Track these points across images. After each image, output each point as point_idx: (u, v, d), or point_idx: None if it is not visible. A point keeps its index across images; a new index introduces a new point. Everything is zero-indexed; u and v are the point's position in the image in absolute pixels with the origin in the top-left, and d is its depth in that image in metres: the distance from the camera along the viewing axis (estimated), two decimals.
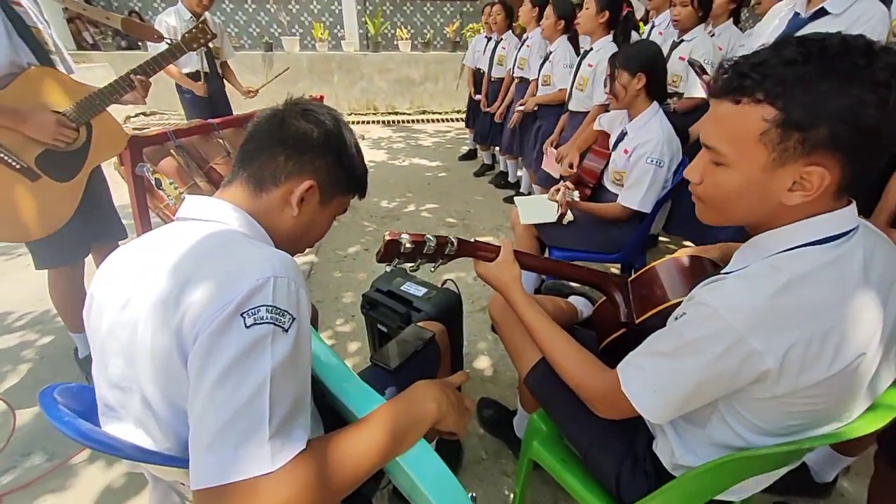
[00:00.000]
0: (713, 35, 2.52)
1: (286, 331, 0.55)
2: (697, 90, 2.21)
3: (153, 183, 1.93)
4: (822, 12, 1.27)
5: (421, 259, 0.92)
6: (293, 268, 0.60)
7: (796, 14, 1.34)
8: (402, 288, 1.49)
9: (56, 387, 0.65)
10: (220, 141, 2.34)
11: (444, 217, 3.36)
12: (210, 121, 2.28)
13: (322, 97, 3.09)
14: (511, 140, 3.46)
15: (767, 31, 1.44)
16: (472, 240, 0.98)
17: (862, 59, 0.53)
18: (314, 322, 1.28)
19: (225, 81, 3.24)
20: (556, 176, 2.31)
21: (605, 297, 1.04)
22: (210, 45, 2.89)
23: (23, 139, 1.35)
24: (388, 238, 0.86)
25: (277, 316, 0.54)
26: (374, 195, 3.74)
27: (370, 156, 4.94)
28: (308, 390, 0.60)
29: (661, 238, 2.91)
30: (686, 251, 0.97)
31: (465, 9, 8.46)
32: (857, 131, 0.54)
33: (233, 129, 2.42)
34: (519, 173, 3.84)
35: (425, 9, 8.54)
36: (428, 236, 0.90)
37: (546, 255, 2.00)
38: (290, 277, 0.58)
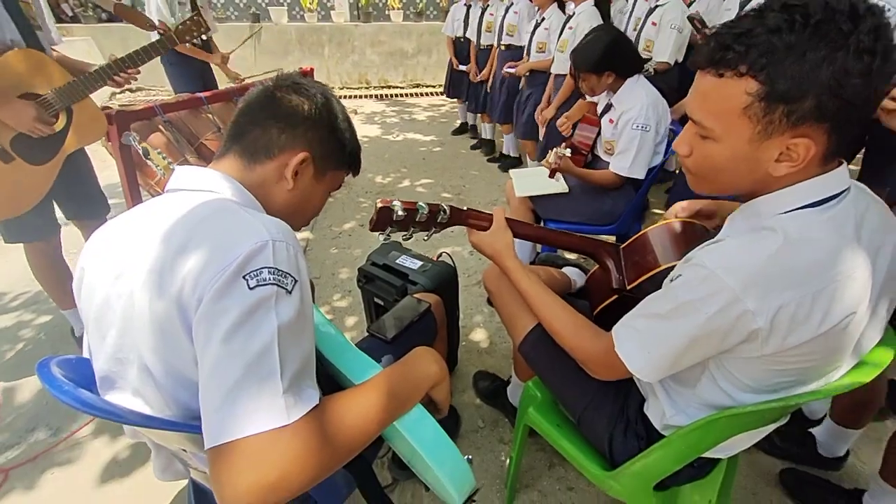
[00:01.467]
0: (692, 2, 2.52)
1: (289, 292, 0.55)
2: (665, 55, 2.27)
3: (140, 153, 1.89)
4: None
5: (414, 227, 0.92)
6: (290, 233, 0.60)
7: None
8: (397, 261, 1.49)
9: (53, 358, 0.65)
10: (210, 116, 2.29)
11: (440, 192, 3.34)
12: (199, 94, 2.22)
13: (312, 69, 3.02)
14: (503, 108, 3.41)
15: None
16: (465, 208, 0.98)
17: (847, 23, 0.51)
18: (311, 297, 1.29)
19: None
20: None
21: (597, 266, 1.05)
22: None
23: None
24: (380, 205, 0.85)
25: (280, 277, 0.54)
26: (368, 171, 3.70)
27: (363, 131, 4.86)
28: (313, 353, 0.61)
29: (651, 200, 2.89)
30: (677, 207, 0.97)
31: None
32: (842, 101, 0.53)
33: (222, 103, 2.36)
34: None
35: None
36: (420, 203, 0.89)
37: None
38: (288, 242, 0.58)
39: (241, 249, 0.53)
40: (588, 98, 2.02)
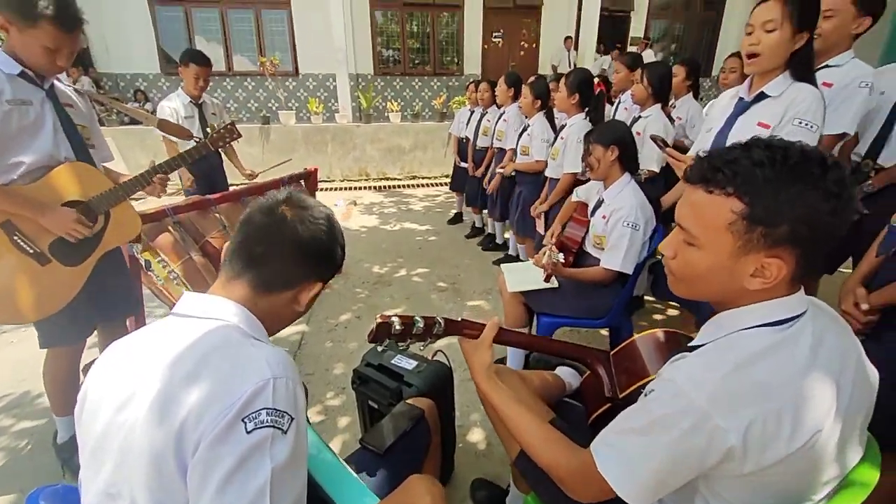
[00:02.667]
0: (674, 108, 2.78)
1: (285, 432, 0.57)
2: (652, 163, 2.46)
3: (142, 265, 1.97)
4: (762, 95, 1.43)
5: (411, 339, 0.96)
6: (290, 366, 0.64)
7: (741, 98, 1.50)
8: (392, 361, 1.50)
9: (42, 491, 0.65)
10: (217, 215, 2.42)
11: (435, 281, 3.41)
12: (208, 197, 2.37)
13: (316, 169, 3.25)
14: (497, 204, 3.66)
15: (716, 114, 1.60)
16: (460, 319, 1.03)
17: (817, 169, 0.61)
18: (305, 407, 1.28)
19: (224, 157, 3.37)
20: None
21: (589, 372, 1.07)
22: (210, 125, 3.07)
23: (41, 227, 1.43)
24: (379, 321, 0.91)
25: (277, 418, 0.57)
26: (365, 261, 3.81)
27: (362, 221, 5.08)
28: (304, 490, 0.61)
29: (646, 298, 2.97)
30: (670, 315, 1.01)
31: (450, 83, 9.13)
32: (813, 232, 0.62)
33: (229, 203, 2.52)
34: (506, 235, 3.98)
35: (414, 84, 9.21)
36: (416, 318, 0.94)
37: (534, 320, 2.04)
38: (288, 376, 0.61)
39: (244, 389, 0.57)
40: (576, 195, 2.17)
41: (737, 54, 2.70)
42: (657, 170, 2.49)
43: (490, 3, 8.82)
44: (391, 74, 9.06)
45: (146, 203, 1.96)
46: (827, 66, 1.68)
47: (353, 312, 2.92)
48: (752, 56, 1.38)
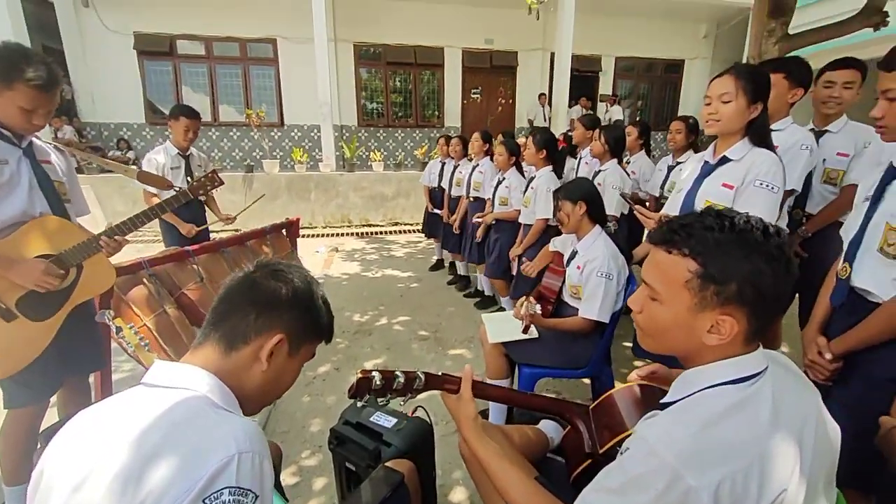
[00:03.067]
0: (629, 163, 3.03)
1: None
2: (611, 209, 2.64)
3: (113, 331, 1.90)
4: (725, 159, 1.55)
5: (391, 394, 0.96)
6: (258, 438, 0.62)
7: (706, 162, 1.63)
8: (371, 419, 1.46)
9: None
10: (195, 267, 2.39)
11: (417, 330, 3.38)
12: (187, 248, 2.35)
13: (298, 219, 3.28)
14: (472, 248, 3.77)
15: (684, 176, 1.73)
16: (440, 373, 1.03)
17: (760, 235, 0.68)
18: (277, 464, 1.22)
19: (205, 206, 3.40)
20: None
21: (570, 427, 1.07)
22: (195, 176, 3.11)
23: (9, 282, 1.39)
24: (359, 376, 0.90)
25: (240, 497, 0.55)
26: (346, 309, 3.76)
27: (343, 268, 5.06)
28: None
29: (624, 344, 3.00)
30: (636, 374, 1.03)
31: (432, 134, 9.50)
32: (758, 292, 0.67)
33: (208, 254, 2.50)
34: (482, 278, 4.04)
35: (397, 135, 9.55)
36: (397, 373, 0.94)
37: (516, 371, 2.03)
38: (255, 451, 0.59)
39: (207, 467, 0.55)
40: (553, 246, 2.25)
41: (681, 118, 3.05)
42: (617, 214, 2.69)
43: (468, 62, 9.40)
44: (375, 126, 9.39)
45: (122, 254, 1.93)
46: (772, 130, 1.86)
47: (331, 364, 2.85)
48: (711, 122, 1.52)
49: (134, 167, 1.93)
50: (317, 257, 5.59)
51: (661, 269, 0.74)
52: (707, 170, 1.60)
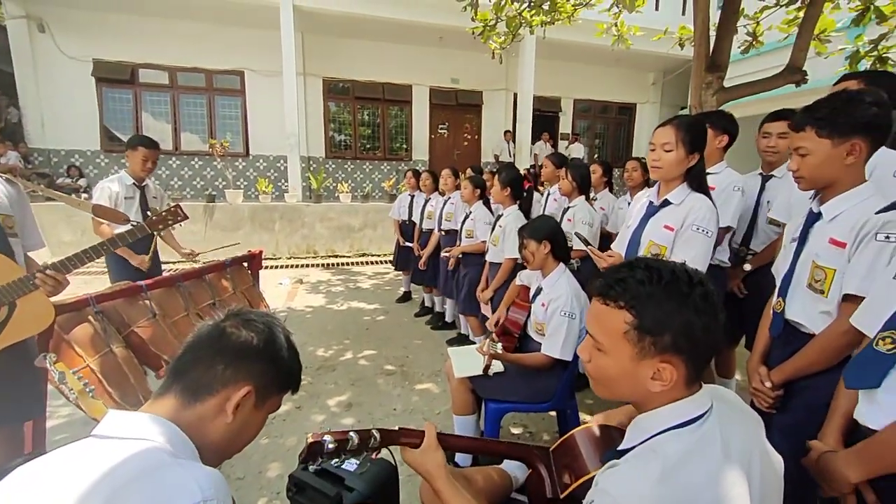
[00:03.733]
0: (595, 199, 3.19)
1: None
2: (582, 245, 2.71)
3: (55, 377, 1.76)
4: (667, 202, 1.70)
5: (345, 455, 0.93)
6: (222, 486, 0.60)
7: (651, 203, 1.76)
8: (332, 462, 1.40)
9: None
10: (147, 302, 2.28)
11: (383, 364, 3.31)
12: (140, 283, 2.24)
13: (261, 252, 3.20)
14: (446, 282, 3.78)
15: (634, 213, 1.85)
16: (397, 428, 1.01)
17: (686, 287, 0.73)
18: None
19: (159, 239, 3.21)
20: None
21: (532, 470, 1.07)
22: (151, 208, 2.99)
23: None
24: (310, 440, 0.88)
25: None
26: (309, 344, 3.65)
27: (308, 301, 4.94)
28: None
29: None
30: (597, 418, 1.06)
31: (400, 167, 9.63)
32: (691, 342, 0.71)
33: (163, 289, 2.39)
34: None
35: (364, 167, 9.62)
36: (350, 434, 0.92)
37: (482, 406, 2.03)
38: (219, 498, 0.57)
39: None
40: (520, 280, 2.30)
41: (636, 158, 3.27)
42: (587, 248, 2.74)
43: (435, 99, 9.73)
44: (342, 158, 9.44)
45: (67, 290, 1.81)
46: (708, 173, 2.05)
47: (292, 402, 2.73)
48: (654, 168, 1.66)
49: (88, 200, 1.83)
50: (280, 289, 5.43)
51: (601, 320, 0.77)
52: (651, 210, 1.74)
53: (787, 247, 1.37)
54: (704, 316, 0.71)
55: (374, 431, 0.95)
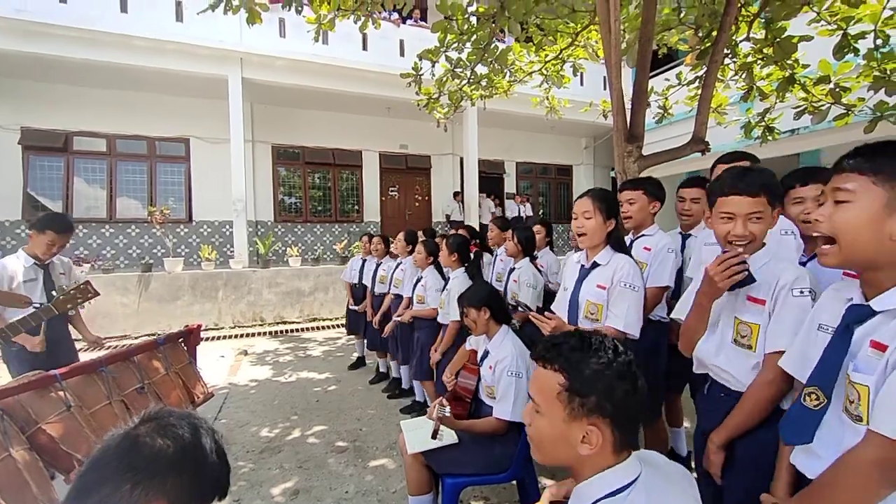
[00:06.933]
0: (537, 258, 3.36)
1: None
2: (528, 301, 2.82)
3: None
4: (595, 264, 1.86)
5: None
6: None
7: (582, 266, 1.91)
8: None
9: None
10: (61, 394, 2.03)
11: (334, 441, 3.10)
12: (53, 372, 2.01)
13: (199, 326, 3.01)
14: (398, 348, 3.71)
15: (567, 275, 1.97)
16: None
17: (611, 354, 0.81)
18: None
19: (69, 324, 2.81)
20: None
21: None
22: (58, 286, 2.64)
23: None
24: None
25: None
26: (252, 423, 3.37)
27: (253, 373, 4.62)
28: None
29: None
30: (550, 490, 1.04)
31: (351, 229, 9.65)
32: (614, 405, 0.78)
33: (82, 376, 2.15)
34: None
35: (315, 229, 9.54)
36: None
37: (439, 483, 1.93)
38: None
39: None
40: (469, 344, 2.30)
41: None
42: (532, 308, 2.80)
43: (385, 164, 10.07)
44: (292, 221, 9.33)
45: None
46: (644, 235, 2.29)
47: (231, 495, 2.45)
48: (580, 235, 1.82)
49: None
50: (221, 364, 5.05)
51: (540, 382, 0.84)
52: (584, 273, 1.88)
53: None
54: (625, 382, 0.78)
55: None
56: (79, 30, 6.29)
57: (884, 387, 0.79)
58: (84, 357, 2.52)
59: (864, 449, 0.81)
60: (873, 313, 0.85)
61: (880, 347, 0.81)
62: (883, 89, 3.24)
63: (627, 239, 2.34)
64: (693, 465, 1.42)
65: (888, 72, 3.23)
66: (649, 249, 2.20)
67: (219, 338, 6.26)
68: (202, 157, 8.39)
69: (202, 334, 3.87)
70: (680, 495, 0.80)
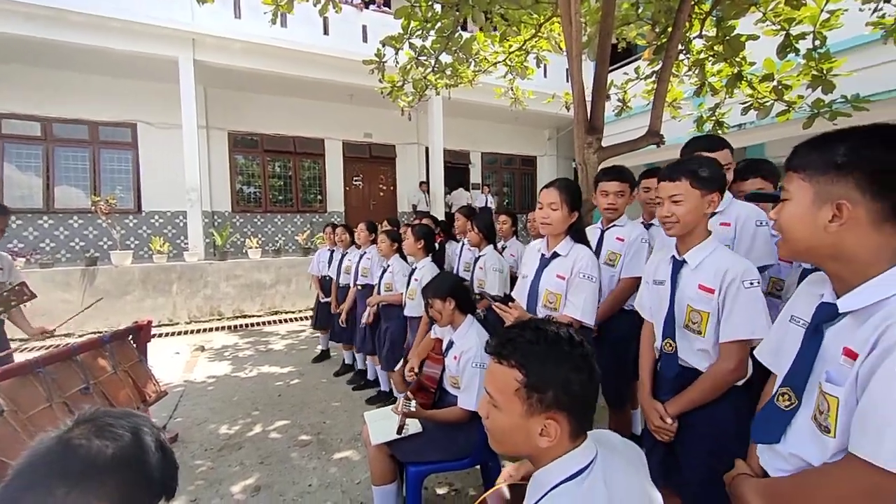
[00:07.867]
0: (504, 248, 3.37)
1: None
2: (495, 290, 2.86)
3: None
4: (556, 254, 1.89)
5: None
6: None
7: (543, 255, 1.94)
8: None
9: None
10: None
11: (297, 435, 3.04)
12: None
13: (149, 322, 2.85)
14: (365, 338, 3.65)
15: (527, 263, 2.01)
16: None
17: (567, 346, 0.81)
18: None
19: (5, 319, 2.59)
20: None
21: None
22: None
23: None
24: None
25: None
26: (211, 421, 3.25)
27: (210, 370, 4.45)
28: None
29: None
30: (508, 470, 1.07)
31: (314, 219, 9.41)
32: (571, 398, 0.78)
33: (14, 378, 2.00)
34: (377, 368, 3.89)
35: (276, 220, 9.24)
36: None
37: (403, 472, 1.93)
38: None
39: None
40: (434, 333, 2.30)
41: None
42: (501, 294, 2.84)
43: (349, 152, 9.84)
44: (251, 212, 8.99)
45: None
46: (615, 226, 2.34)
47: (187, 495, 2.37)
48: (544, 224, 1.84)
49: None
50: (176, 360, 4.84)
51: (496, 378, 0.83)
52: (544, 262, 1.92)
53: (651, 287, 1.55)
54: (582, 373, 0.79)
55: None
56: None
57: (861, 402, 0.71)
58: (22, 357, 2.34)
59: (848, 476, 0.73)
60: (841, 314, 0.80)
61: (852, 356, 0.75)
62: (820, 88, 3.48)
63: (598, 229, 2.39)
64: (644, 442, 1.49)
65: (824, 71, 3.46)
66: (622, 240, 2.26)
67: (174, 333, 5.98)
68: (151, 143, 7.89)
69: (155, 330, 3.68)
70: (634, 474, 0.83)
